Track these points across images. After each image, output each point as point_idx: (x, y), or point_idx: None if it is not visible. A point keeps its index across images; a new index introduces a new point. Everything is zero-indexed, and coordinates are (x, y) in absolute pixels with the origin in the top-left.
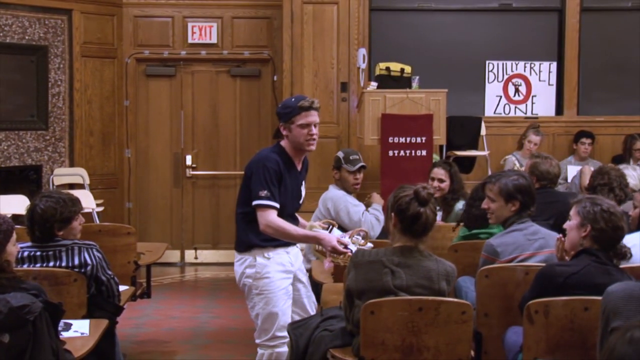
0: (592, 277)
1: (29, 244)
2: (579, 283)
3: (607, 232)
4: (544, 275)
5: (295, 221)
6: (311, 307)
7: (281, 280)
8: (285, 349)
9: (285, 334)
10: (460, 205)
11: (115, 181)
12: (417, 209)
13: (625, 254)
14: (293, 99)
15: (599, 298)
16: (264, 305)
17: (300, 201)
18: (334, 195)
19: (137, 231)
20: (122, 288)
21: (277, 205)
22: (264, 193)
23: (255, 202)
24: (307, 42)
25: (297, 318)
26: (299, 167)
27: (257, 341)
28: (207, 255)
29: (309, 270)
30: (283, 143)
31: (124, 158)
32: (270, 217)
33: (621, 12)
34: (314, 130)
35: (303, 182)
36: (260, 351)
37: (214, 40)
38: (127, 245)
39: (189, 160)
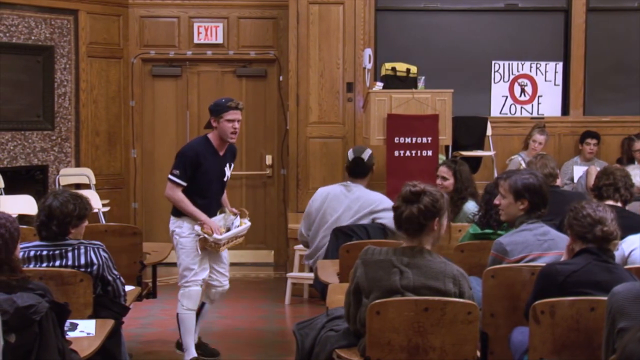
0: (593, 275)
1: (35, 243)
2: (581, 281)
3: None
4: (544, 274)
5: (220, 197)
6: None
7: (191, 241)
8: (195, 288)
9: (194, 278)
10: (470, 205)
11: (121, 181)
12: (398, 204)
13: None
14: (224, 100)
15: (605, 298)
16: (182, 256)
17: (225, 179)
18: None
19: (142, 231)
20: (128, 288)
21: (184, 184)
22: (176, 172)
23: (168, 177)
24: (312, 43)
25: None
26: (221, 153)
27: (178, 283)
28: None
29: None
30: (210, 135)
31: (130, 158)
32: (174, 190)
33: (628, 12)
34: (237, 125)
35: (228, 165)
36: (180, 291)
37: (220, 40)
38: (133, 245)
39: None
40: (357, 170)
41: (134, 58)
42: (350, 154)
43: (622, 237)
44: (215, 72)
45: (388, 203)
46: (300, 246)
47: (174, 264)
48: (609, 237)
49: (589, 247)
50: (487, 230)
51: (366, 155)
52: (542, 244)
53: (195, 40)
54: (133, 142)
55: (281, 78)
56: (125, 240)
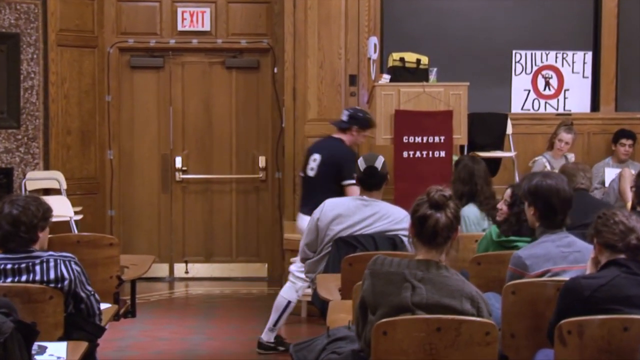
0: (623, 289)
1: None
2: (609, 296)
3: None
4: (568, 289)
5: None
6: None
7: None
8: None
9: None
10: (468, 210)
11: (95, 186)
12: (426, 211)
13: None
14: (370, 116)
15: (639, 317)
16: None
17: None
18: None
19: (120, 242)
20: (103, 306)
21: None
22: (354, 176)
23: (352, 181)
24: (311, 30)
25: None
26: None
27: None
28: (199, 269)
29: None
30: (344, 138)
31: (106, 160)
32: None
33: None
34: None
35: None
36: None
37: (207, 27)
38: (109, 257)
39: (178, 162)
40: (372, 182)
41: (110, 47)
42: (362, 163)
43: None
44: (201, 63)
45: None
46: (298, 258)
47: (156, 279)
48: None
49: (618, 259)
50: (512, 237)
51: (379, 163)
52: (567, 257)
53: (179, 27)
54: (109, 141)
55: (276, 70)
56: (101, 252)
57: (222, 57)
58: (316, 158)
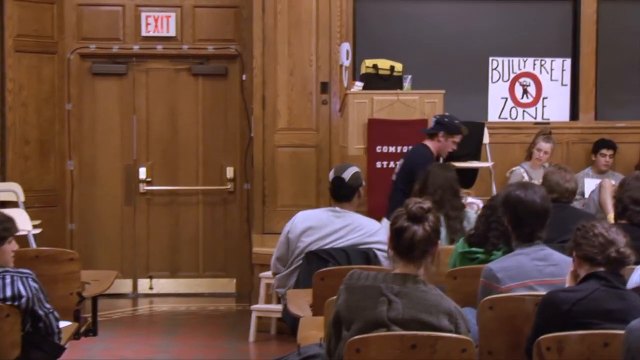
0: (602, 303)
1: None
2: (588, 310)
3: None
4: (546, 303)
5: None
6: None
7: None
8: None
9: None
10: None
11: (55, 198)
12: (403, 223)
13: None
14: (457, 121)
15: (619, 332)
16: None
17: None
18: None
19: (81, 257)
20: (63, 324)
21: None
22: None
23: None
24: (281, 36)
25: None
26: None
27: None
28: (164, 284)
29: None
30: (429, 144)
31: (66, 171)
32: None
33: None
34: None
35: None
36: None
37: (172, 32)
38: (69, 273)
39: (142, 173)
40: (340, 194)
41: (71, 53)
42: (331, 174)
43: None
44: (166, 70)
45: (383, 236)
46: (267, 273)
47: (118, 295)
48: (625, 261)
49: (597, 272)
50: (473, 249)
51: (348, 174)
52: (542, 270)
53: (143, 33)
54: (69, 151)
55: (244, 77)
56: (60, 268)
57: (188, 64)
58: (399, 163)
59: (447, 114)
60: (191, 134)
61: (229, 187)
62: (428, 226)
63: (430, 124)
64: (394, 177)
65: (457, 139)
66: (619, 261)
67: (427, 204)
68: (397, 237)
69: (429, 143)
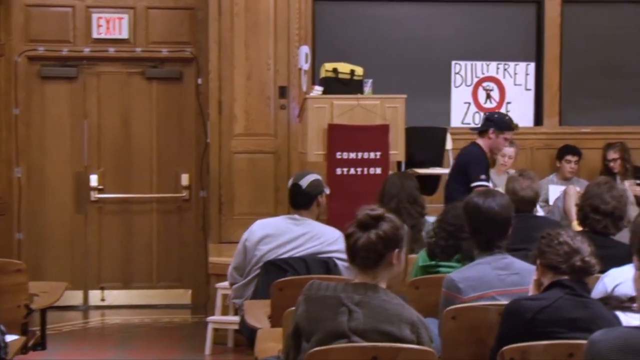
0: (566, 311)
1: None
2: (552, 318)
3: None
4: (509, 312)
5: None
6: None
7: None
8: None
9: None
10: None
11: (1, 207)
12: (349, 230)
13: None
14: (508, 117)
15: (583, 342)
16: None
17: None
18: None
19: (29, 268)
20: (9, 338)
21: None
22: (483, 176)
23: (477, 183)
24: (238, 38)
25: None
26: None
27: None
28: (116, 296)
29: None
30: (481, 142)
31: (13, 178)
32: None
33: (610, 5)
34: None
35: None
36: None
37: (125, 35)
38: (16, 285)
39: (94, 180)
40: (296, 201)
41: (18, 56)
42: (290, 181)
43: (604, 271)
44: (119, 74)
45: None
46: (224, 284)
47: (69, 308)
48: (590, 270)
49: (562, 280)
50: (436, 262)
51: (306, 181)
52: (504, 280)
53: (95, 35)
54: (17, 158)
55: (200, 81)
56: (7, 279)
57: (142, 67)
58: (452, 163)
59: (497, 111)
60: (145, 140)
61: (184, 194)
62: (374, 234)
63: (480, 121)
64: (449, 177)
65: (509, 135)
66: (583, 270)
67: (377, 211)
68: (345, 244)
69: (480, 141)
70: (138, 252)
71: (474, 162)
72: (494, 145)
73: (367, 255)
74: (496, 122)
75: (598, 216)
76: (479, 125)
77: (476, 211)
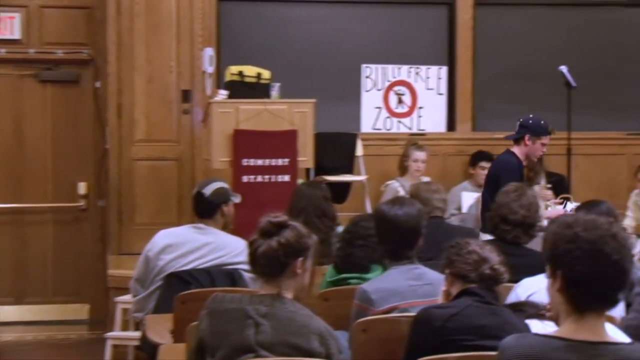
0: (475, 318)
1: None
2: (461, 326)
3: None
4: (418, 321)
5: None
6: None
7: None
8: None
9: None
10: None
11: None
12: (254, 238)
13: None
14: (543, 122)
15: (493, 353)
16: None
17: None
18: None
19: None
20: None
21: None
22: None
23: None
24: (138, 40)
25: None
26: None
27: None
28: (8, 312)
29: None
30: (516, 150)
31: None
32: None
33: (523, 7)
34: (545, 150)
35: None
36: None
37: (17, 35)
38: None
39: None
40: (199, 210)
41: None
42: (194, 189)
43: (517, 280)
44: (10, 76)
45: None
46: (124, 297)
47: None
48: (499, 278)
49: (470, 288)
50: (345, 275)
51: (209, 189)
52: (416, 290)
53: None
54: None
55: (98, 84)
56: None
57: (35, 69)
58: (485, 175)
59: (531, 115)
60: (38, 146)
61: (81, 204)
62: (277, 241)
63: (515, 127)
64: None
65: (546, 140)
66: (492, 278)
67: (279, 219)
68: (251, 253)
69: (515, 149)
70: (32, 265)
71: (506, 172)
72: (531, 152)
73: (267, 262)
74: (532, 128)
75: (507, 226)
76: (514, 133)
77: (382, 219)
